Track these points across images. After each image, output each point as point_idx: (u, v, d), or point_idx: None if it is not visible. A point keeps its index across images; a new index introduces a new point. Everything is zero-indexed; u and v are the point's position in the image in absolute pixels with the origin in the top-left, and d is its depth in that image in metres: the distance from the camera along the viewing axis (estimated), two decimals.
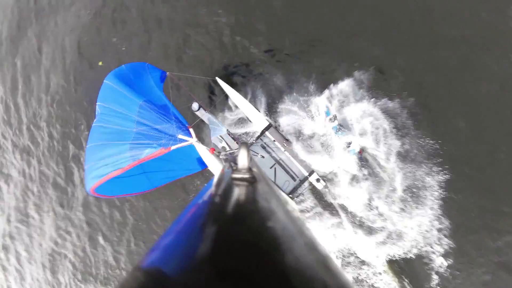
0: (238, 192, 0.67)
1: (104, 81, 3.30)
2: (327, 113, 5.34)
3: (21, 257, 8.86)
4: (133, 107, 2.97)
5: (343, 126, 5.38)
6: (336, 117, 5.20)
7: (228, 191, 0.68)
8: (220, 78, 5.49)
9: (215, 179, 1.00)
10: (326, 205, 5.54)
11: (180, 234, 0.45)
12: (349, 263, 5.36)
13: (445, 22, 5.44)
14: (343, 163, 5.36)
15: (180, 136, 2.82)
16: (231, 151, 3.11)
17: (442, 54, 5.41)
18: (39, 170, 7.95)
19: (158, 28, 6.55)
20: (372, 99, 5.44)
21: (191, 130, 2.88)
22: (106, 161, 2.87)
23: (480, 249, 4.77)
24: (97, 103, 3.26)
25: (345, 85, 5.57)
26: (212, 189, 0.74)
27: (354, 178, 5.46)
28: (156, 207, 6.48)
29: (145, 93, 3.11)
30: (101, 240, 7.25)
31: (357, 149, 5.28)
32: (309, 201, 5.54)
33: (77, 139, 7.37)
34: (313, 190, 5.54)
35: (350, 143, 5.20)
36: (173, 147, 2.77)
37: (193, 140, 2.82)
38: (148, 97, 3.06)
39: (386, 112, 5.39)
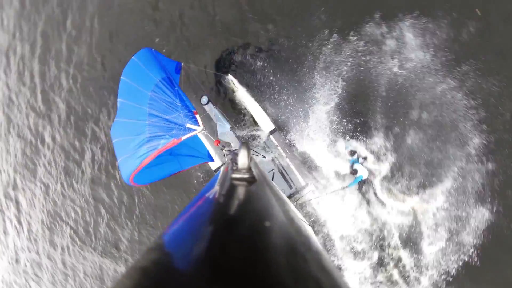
0: (238, 192, 0.68)
1: (121, 77, 3.37)
2: (346, 147, 5.45)
3: (22, 210, 9.29)
4: (144, 100, 3.07)
5: (361, 159, 5.32)
6: (355, 152, 5.26)
7: (229, 191, 0.69)
8: (234, 76, 5.51)
9: (220, 177, 1.03)
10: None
11: (181, 232, 0.46)
12: None
13: None
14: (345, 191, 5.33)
15: (189, 125, 2.89)
16: (233, 149, 3.09)
17: None
18: (52, 137, 8.06)
19: (201, 32, 6.42)
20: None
21: (197, 117, 2.94)
22: (133, 154, 3.09)
23: None
24: (117, 99, 3.40)
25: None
26: (216, 188, 0.75)
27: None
28: (166, 206, 6.92)
29: (152, 82, 3.13)
30: (105, 217, 7.73)
31: (365, 176, 5.14)
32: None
33: (98, 119, 7.47)
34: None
35: (356, 170, 5.11)
36: (183, 137, 2.88)
37: (200, 129, 2.89)
38: (155, 85, 3.10)
39: None
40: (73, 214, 8.24)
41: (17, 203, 9.30)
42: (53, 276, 8.93)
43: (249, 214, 0.53)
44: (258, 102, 5.49)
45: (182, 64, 3.77)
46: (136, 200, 7.21)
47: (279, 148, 5.21)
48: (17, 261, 9.57)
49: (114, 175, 7.39)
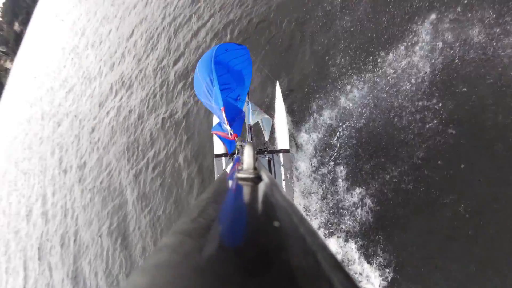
0: (244, 192, 0.69)
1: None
2: None
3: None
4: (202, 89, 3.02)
5: None
6: None
7: (235, 191, 0.71)
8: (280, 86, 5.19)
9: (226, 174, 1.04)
10: None
11: (189, 231, 0.44)
12: None
13: None
14: None
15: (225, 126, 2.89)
16: (244, 144, 2.81)
17: None
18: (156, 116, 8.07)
19: None
20: None
21: (223, 114, 2.81)
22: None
23: None
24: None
25: None
26: (226, 187, 0.76)
27: None
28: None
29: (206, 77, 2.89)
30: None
31: None
32: None
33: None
34: None
35: None
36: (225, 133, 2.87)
37: (229, 129, 2.87)
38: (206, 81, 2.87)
39: None
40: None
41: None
42: None
43: (257, 214, 0.53)
44: (288, 123, 5.19)
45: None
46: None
47: (282, 168, 5.42)
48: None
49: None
